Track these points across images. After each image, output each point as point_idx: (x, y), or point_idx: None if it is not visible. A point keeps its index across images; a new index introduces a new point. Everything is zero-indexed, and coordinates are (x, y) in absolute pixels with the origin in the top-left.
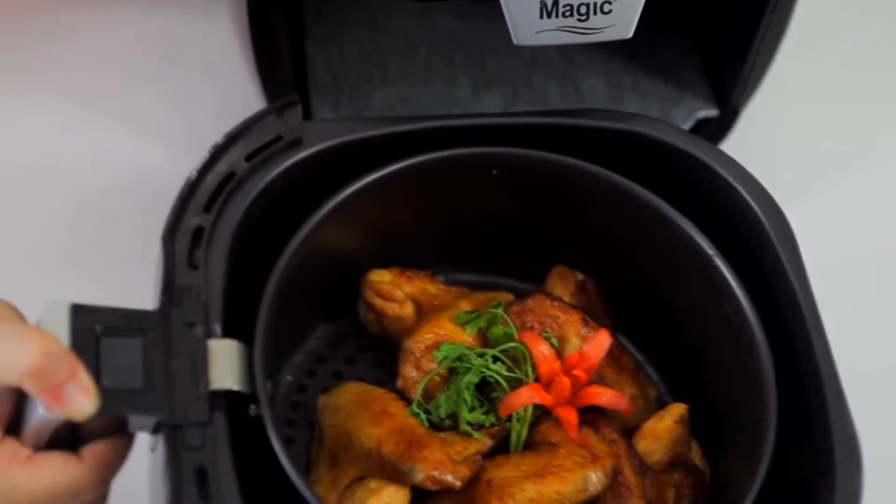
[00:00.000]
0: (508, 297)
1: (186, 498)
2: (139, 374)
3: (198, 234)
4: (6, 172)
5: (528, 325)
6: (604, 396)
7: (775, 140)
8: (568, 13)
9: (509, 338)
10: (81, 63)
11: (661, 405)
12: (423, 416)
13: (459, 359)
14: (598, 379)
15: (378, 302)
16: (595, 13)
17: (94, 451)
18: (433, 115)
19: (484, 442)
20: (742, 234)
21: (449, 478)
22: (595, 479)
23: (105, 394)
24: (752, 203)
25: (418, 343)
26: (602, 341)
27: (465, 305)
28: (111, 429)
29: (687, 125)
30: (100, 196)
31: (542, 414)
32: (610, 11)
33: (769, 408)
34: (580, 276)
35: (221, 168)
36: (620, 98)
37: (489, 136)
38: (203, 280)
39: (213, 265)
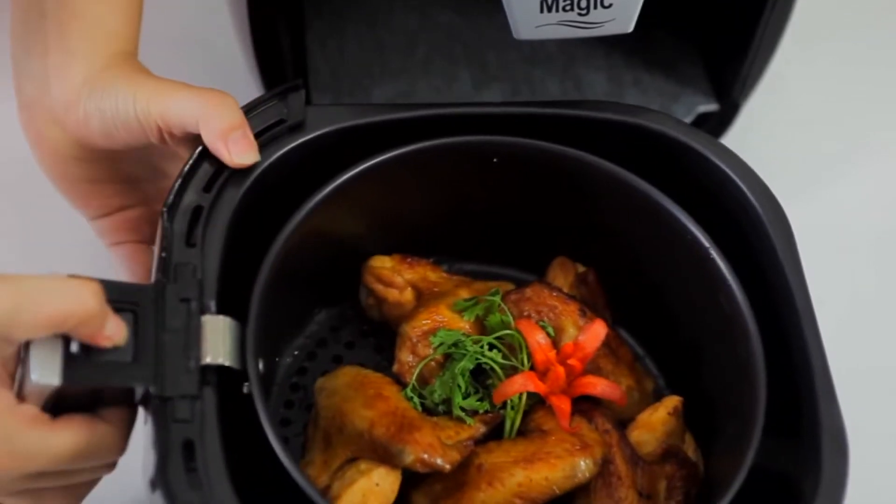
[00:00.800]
0: (509, 286)
1: (172, 469)
2: (130, 347)
3: (197, 212)
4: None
5: (526, 313)
6: (598, 386)
7: (775, 135)
8: (568, 7)
9: (506, 326)
10: None
11: (658, 398)
12: (416, 400)
13: (455, 345)
14: (595, 370)
15: (378, 287)
16: (595, 7)
17: (116, 413)
18: (437, 103)
19: (477, 428)
20: (740, 227)
21: (438, 461)
22: (584, 466)
23: (94, 365)
24: (750, 196)
25: (415, 328)
26: (597, 331)
27: (464, 293)
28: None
29: (687, 120)
30: None
31: (536, 402)
32: (610, 6)
33: (759, 400)
34: (581, 268)
35: None
36: (621, 93)
37: (491, 125)
38: (200, 257)
39: (210, 244)
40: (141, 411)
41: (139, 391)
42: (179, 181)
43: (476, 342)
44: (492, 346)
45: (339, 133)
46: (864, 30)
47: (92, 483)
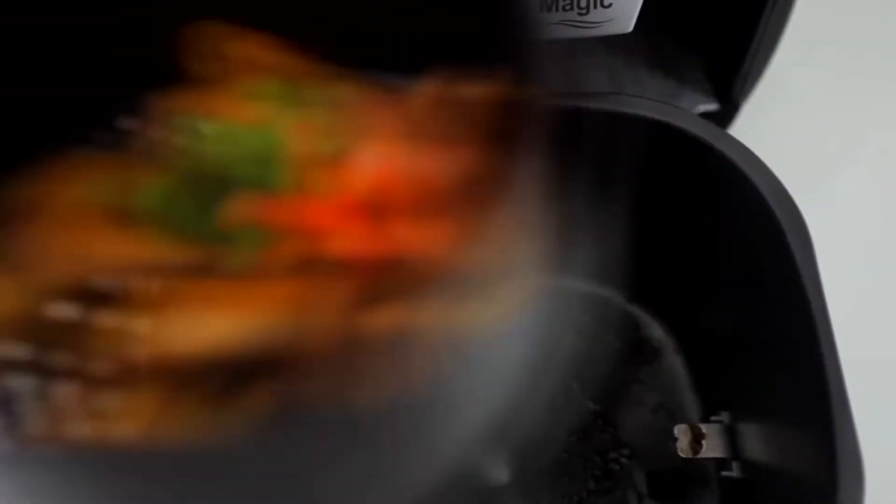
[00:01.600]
0: None
1: None
2: None
3: None
4: None
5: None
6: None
7: (776, 134)
8: (568, 7)
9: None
10: None
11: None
12: None
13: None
14: None
15: None
16: (595, 7)
17: None
18: None
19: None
20: (756, 235)
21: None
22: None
23: None
24: (771, 204)
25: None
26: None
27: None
28: None
29: None
30: None
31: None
32: (610, 5)
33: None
34: None
35: None
36: (621, 92)
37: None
38: None
39: None
40: None
41: None
42: None
43: None
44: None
45: None
46: (866, 29)
47: None
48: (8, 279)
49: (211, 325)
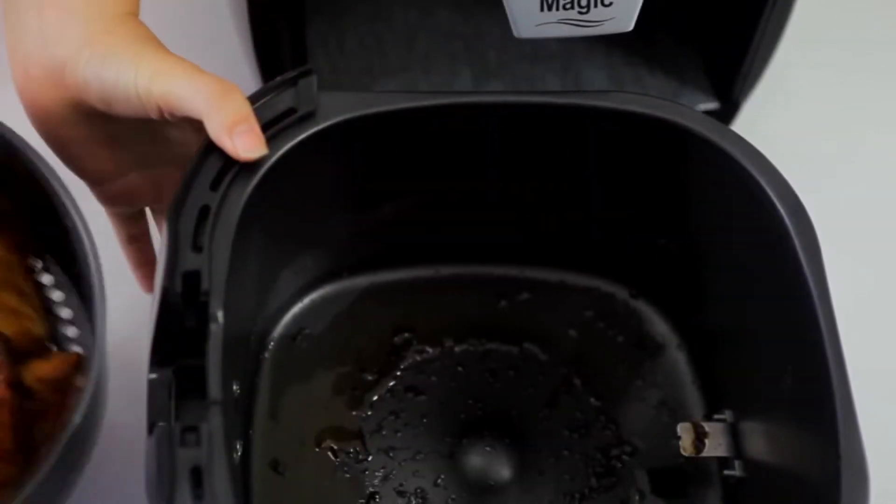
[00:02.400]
0: None
1: (180, 499)
2: None
3: (203, 213)
4: None
5: None
6: None
7: (776, 133)
8: (569, 6)
9: None
10: None
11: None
12: None
13: None
14: None
15: None
16: (596, 6)
17: None
18: (457, 91)
19: None
20: (763, 234)
21: None
22: None
23: None
24: (778, 204)
25: None
26: None
27: None
28: None
29: None
30: None
31: None
32: (611, 4)
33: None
34: None
35: None
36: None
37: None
38: (207, 263)
39: (217, 248)
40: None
41: None
42: (184, 179)
43: None
44: None
45: (353, 122)
46: (866, 29)
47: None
48: None
49: None
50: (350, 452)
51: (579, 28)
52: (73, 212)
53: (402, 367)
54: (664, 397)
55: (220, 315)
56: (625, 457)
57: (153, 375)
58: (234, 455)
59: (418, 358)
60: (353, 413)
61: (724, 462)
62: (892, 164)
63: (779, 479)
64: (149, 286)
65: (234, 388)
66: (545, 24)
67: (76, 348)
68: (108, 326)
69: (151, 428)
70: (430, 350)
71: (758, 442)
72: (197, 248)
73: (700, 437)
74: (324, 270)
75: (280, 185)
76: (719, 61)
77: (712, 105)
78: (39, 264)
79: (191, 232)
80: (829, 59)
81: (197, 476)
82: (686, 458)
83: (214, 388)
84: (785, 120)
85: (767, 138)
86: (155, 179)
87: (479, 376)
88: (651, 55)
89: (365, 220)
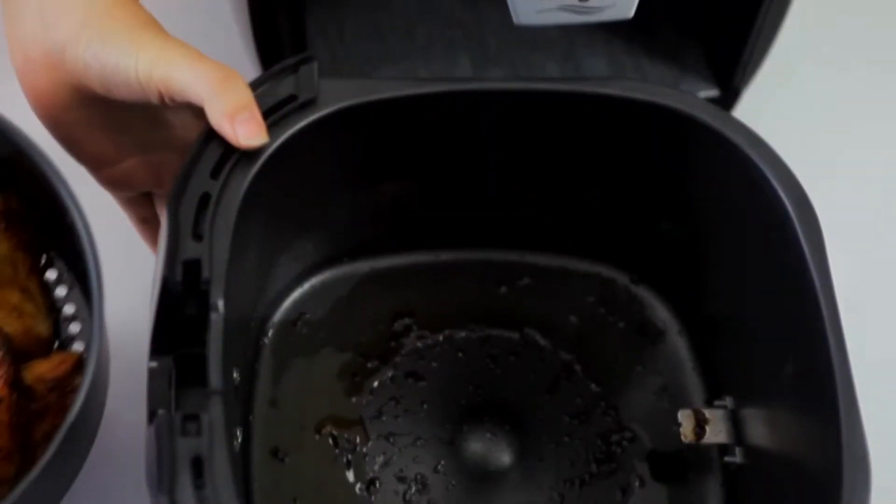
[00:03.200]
0: None
1: (181, 488)
2: None
3: (203, 201)
4: None
5: None
6: None
7: (776, 120)
8: None
9: None
10: None
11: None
12: None
13: None
14: None
15: None
16: None
17: None
18: (460, 77)
19: None
20: (767, 225)
21: None
22: None
23: None
24: (783, 196)
25: None
26: None
27: None
28: None
29: None
30: None
31: None
32: None
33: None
34: None
35: None
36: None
37: (513, 99)
38: (208, 252)
39: (218, 237)
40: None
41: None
42: (184, 167)
43: None
44: None
45: (354, 109)
46: (866, 17)
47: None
48: None
49: None
50: (350, 439)
51: (580, 15)
52: (73, 209)
53: (402, 352)
54: (665, 383)
55: (220, 304)
56: (625, 443)
57: (153, 364)
58: (235, 442)
59: (419, 344)
60: (354, 399)
61: (724, 449)
62: (892, 152)
63: (779, 466)
64: None
65: (234, 374)
66: (545, 11)
67: (79, 345)
68: (109, 323)
69: (152, 416)
70: (430, 336)
71: (758, 429)
72: (197, 236)
73: (700, 424)
74: (324, 256)
75: (281, 171)
76: (720, 49)
77: (713, 93)
78: (44, 261)
79: (191, 220)
80: (830, 46)
81: (198, 466)
82: (686, 444)
83: (215, 377)
84: (785, 107)
85: (768, 125)
86: (155, 164)
87: (479, 362)
88: (651, 43)
89: (365, 206)
